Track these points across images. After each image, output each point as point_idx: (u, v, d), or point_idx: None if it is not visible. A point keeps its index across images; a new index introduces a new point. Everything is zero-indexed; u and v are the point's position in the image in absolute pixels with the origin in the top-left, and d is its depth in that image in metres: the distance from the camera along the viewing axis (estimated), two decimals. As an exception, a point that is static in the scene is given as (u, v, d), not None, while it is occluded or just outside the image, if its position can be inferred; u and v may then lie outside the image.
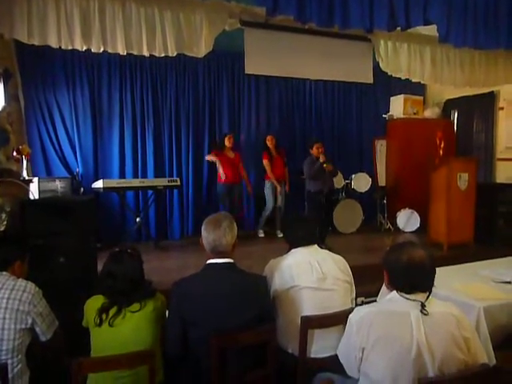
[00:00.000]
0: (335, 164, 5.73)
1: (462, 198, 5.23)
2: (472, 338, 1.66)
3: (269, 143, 6.11)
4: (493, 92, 6.69)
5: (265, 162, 6.07)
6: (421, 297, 1.67)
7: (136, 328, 2.00)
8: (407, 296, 1.68)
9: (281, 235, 6.04)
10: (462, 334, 1.63)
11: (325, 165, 5.31)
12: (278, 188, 6.07)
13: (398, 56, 5.44)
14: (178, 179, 5.73)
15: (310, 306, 2.30)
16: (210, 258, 2.13)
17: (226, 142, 5.82)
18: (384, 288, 2.22)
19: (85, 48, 3.97)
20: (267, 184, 6.14)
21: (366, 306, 1.77)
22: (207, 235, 2.12)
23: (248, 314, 2.04)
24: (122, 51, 4.10)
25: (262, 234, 6.23)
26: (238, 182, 5.94)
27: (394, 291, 1.73)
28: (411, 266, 1.69)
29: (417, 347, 1.55)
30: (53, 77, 5.52)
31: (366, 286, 3.24)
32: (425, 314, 1.62)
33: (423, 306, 1.64)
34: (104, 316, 1.97)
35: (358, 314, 1.71)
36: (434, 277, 1.74)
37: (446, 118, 7.41)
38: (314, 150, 5.46)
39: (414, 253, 1.71)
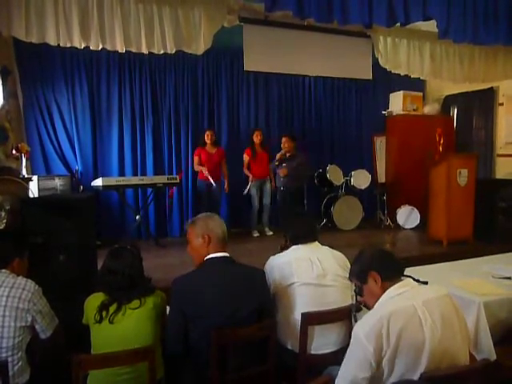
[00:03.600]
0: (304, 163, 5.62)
1: (461, 194, 5.23)
2: (463, 319, 1.71)
3: (255, 138, 6.00)
4: (492, 88, 6.69)
5: (244, 156, 6.01)
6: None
7: (136, 325, 2.00)
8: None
9: (270, 233, 6.11)
10: (456, 311, 1.67)
11: (276, 162, 5.24)
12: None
13: (398, 52, 5.44)
14: (177, 176, 5.72)
15: (309, 303, 2.30)
16: (211, 253, 2.13)
17: (206, 138, 5.75)
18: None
19: (83, 45, 3.96)
20: (250, 183, 5.98)
21: (367, 316, 1.64)
22: (216, 225, 2.17)
23: (249, 305, 2.05)
24: (120, 48, 4.09)
25: (256, 234, 6.12)
26: (218, 179, 5.78)
27: (386, 293, 1.69)
28: (388, 254, 1.82)
29: (429, 339, 1.54)
30: (51, 74, 5.51)
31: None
32: (424, 283, 1.70)
33: (417, 280, 1.72)
34: (104, 313, 1.98)
35: (366, 327, 1.57)
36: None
37: (446, 114, 7.41)
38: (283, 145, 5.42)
39: (379, 247, 1.91)
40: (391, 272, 1.73)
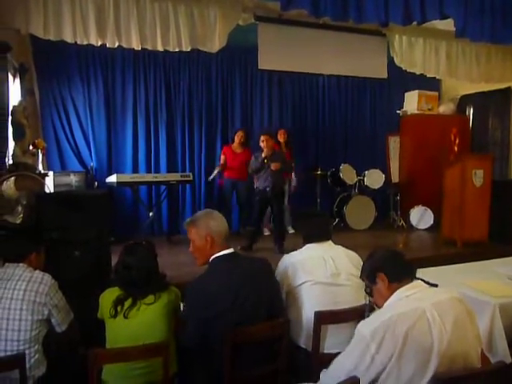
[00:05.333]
0: (287, 159, 5.33)
1: (476, 195, 5.16)
2: (475, 323, 1.68)
3: (280, 137, 6.00)
4: (509, 87, 6.59)
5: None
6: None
7: (150, 320, 2.02)
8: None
9: (292, 231, 6.02)
10: (468, 313, 1.64)
11: (265, 161, 4.94)
12: None
13: (413, 51, 5.40)
14: (190, 174, 5.75)
15: (323, 302, 2.29)
16: (216, 252, 2.13)
17: (235, 138, 5.81)
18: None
19: (100, 43, 4.01)
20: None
21: (373, 316, 1.66)
22: (218, 224, 2.16)
23: (259, 296, 2.07)
24: (136, 46, 4.13)
25: (267, 232, 6.07)
26: (244, 179, 5.76)
27: (394, 294, 1.69)
28: (399, 256, 1.80)
29: (438, 342, 1.52)
30: (67, 71, 5.57)
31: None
32: (434, 286, 1.67)
33: (427, 282, 1.69)
34: (119, 308, 2.00)
35: (371, 326, 1.57)
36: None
37: (461, 113, 7.32)
38: (260, 144, 5.04)
39: (391, 249, 1.87)
40: (400, 274, 1.72)
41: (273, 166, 4.89)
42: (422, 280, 1.74)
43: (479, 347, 1.67)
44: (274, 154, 5.02)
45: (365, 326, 1.59)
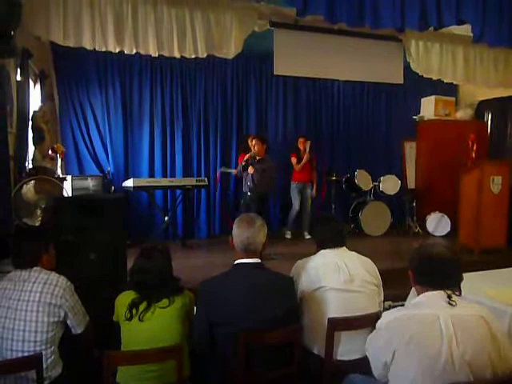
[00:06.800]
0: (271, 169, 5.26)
1: (494, 202, 5.09)
2: (502, 342, 1.62)
3: (300, 145, 6.05)
4: (529, 93, 6.48)
5: (292, 159, 6.01)
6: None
7: (165, 323, 2.04)
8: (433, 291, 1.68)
9: (308, 236, 6.02)
10: (492, 337, 1.59)
11: (243, 163, 4.98)
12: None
13: (430, 56, 5.35)
14: (205, 179, 5.78)
15: (336, 308, 2.29)
16: (239, 258, 2.15)
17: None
18: (412, 293, 2.19)
19: (118, 50, 4.07)
20: (293, 185, 6.11)
21: (393, 310, 1.74)
22: (241, 233, 2.13)
23: (274, 313, 2.04)
24: (153, 53, 4.18)
25: (288, 236, 6.16)
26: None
27: (420, 296, 1.72)
28: (434, 260, 1.72)
29: (447, 351, 1.52)
30: (86, 77, 5.68)
31: (393, 290, 3.19)
32: (452, 305, 1.62)
33: (450, 297, 1.64)
34: (134, 311, 2.02)
35: (386, 319, 1.69)
36: (460, 274, 1.75)
37: (479, 119, 7.22)
38: (250, 145, 5.14)
39: (436, 249, 1.76)
40: (424, 281, 1.72)
41: (249, 169, 4.92)
42: (455, 295, 1.69)
43: (499, 370, 1.60)
44: (261, 158, 5.03)
45: (382, 319, 1.72)
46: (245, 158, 5.07)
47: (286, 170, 6.24)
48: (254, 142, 5.17)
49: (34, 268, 2.19)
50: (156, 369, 1.99)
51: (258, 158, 5.08)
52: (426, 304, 1.67)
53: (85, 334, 2.26)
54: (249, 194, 5.05)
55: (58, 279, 2.18)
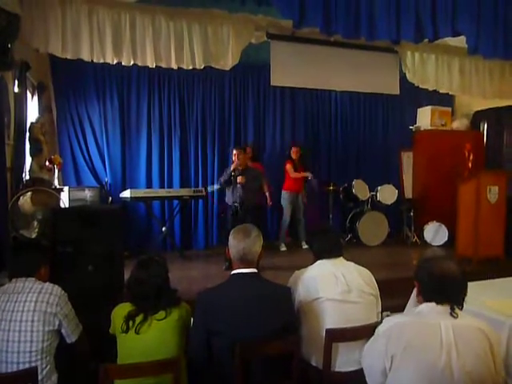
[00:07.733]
0: (261, 177, 5.30)
1: (491, 212, 5.10)
2: (498, 356, 1.64)
3: (293, 155, 6.06)
4: (524, 103, 6.54)
5: (288, 166, 6.00)
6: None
7: (161, 336, 2.02)
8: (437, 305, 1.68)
9: (306, 246, 5.95)
10: (491, 349, 1.60)
11: (232, 173, 4.92)
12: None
13: (426, 67, 5.40)
14: (203, 189, 5.79)
15: (334, 319, 2.27)
16: (235, 268, 2.15)
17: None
18: (411, 301, 2.19)
19: (116, 61, 4.09)
20: (284, 194, 6.06)
21: (394, 316, 1.75)
22: (237, 244, 2.14)
23: (272, 324, 2.04)
24: (151, 64, 4.22)
25: (283, 248, 6.06)
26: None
27: (423, 304, 1.72)
28: (444, 278, 1.70)
29: (446, 359, 1.52)
30: (84, 89, 5.70)
31: (391, 300, 3.18)
32: (454, 317, 1.63)
33: (452, 308, 1.65)
34: (131, 323, 2.01)
35: (386, 324, 1.70)
36: (466, 291, 1.73)
37: (475, 129, 7.27)
38: (233, 157, 5.08)
39: (446, 265, 1.74)
40: (429, 295, 1.72)
41: (239, 179, 4.91)
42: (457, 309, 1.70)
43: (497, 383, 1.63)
44: (246, 169, 5.03)
45: (383, 324, 1.75)
46: (228, 173, 5.01)
47: (284, 180, 6.25)
48: (234, 152, 5.09)
49: (29, 278, 2.19)
50: (153, 382, 1.96)
51: (240, 168, 4.98)
52: (428, 313, 1.67)
53: (79, 344, 2.26)
54: (236, 205, 4.92)
55: (52, 288, 2.19)
